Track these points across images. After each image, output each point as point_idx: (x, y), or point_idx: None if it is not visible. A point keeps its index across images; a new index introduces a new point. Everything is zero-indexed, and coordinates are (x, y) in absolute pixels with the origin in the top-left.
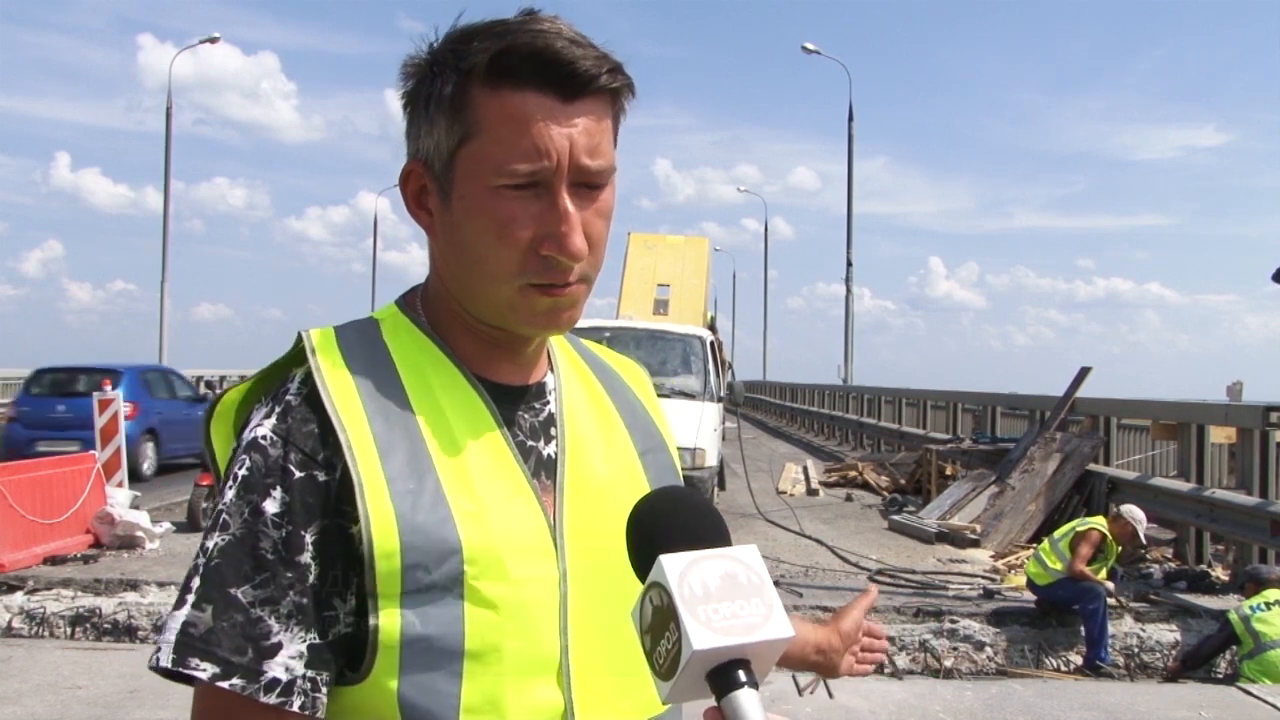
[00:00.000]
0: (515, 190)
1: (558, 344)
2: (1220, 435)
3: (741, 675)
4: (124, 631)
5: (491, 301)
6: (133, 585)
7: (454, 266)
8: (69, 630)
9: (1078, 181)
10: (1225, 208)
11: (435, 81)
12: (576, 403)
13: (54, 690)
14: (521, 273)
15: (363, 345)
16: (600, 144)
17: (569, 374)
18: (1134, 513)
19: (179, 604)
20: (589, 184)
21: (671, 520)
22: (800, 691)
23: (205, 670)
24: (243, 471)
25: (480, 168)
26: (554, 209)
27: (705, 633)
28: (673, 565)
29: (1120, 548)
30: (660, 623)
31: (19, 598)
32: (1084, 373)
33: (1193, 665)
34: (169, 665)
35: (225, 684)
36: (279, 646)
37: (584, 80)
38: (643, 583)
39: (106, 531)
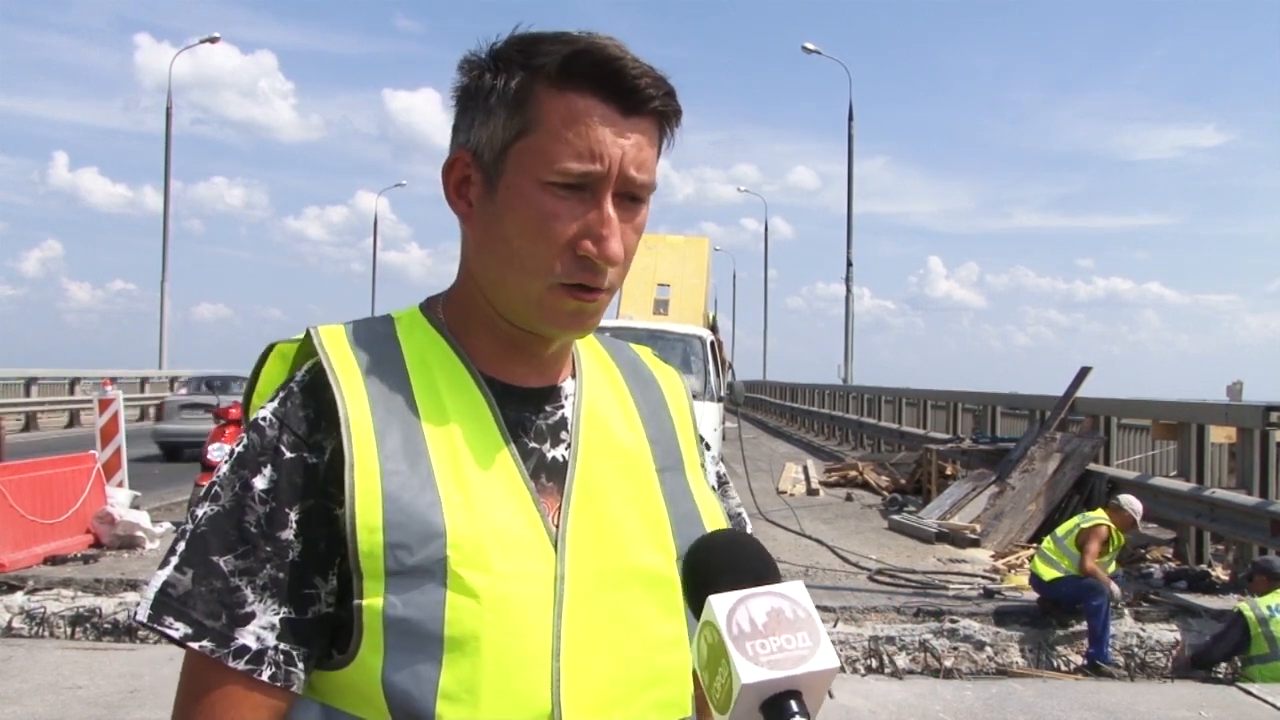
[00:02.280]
0: (562, 190)
1: (589, 349)
2: (1220, 435)
3: (794, 705)
4: (124, 631)
5: (520, 296)
6: (133, 585)
7: (487, 258)
8: (69, 630)
9: (1077, 181)
10: (1225, 208)
11: (499, 76)
12: (598, 409)
13: (54, 690)
14: (554, 271)
15: (374, 340)
16: (648, 160)
17: (595, 380)
18: (1132, 503)
19: (163, 564)
20: (631, 197)
21: (722, 562)
22: None
23: (178, 630)
24: (240, 449)
25: (533, 161)
26: (598, 211)
27: (753, 667)
28: (721, 605)
29: (1124, 538)
30: (714, 659)
31: (19, 598)
32: (1084, 372)
33: (1204, 665)
34: (144, 620)
35: (196, 645)
36: (252, 616)
37: (643, 98)
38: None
39: (106, 531)
